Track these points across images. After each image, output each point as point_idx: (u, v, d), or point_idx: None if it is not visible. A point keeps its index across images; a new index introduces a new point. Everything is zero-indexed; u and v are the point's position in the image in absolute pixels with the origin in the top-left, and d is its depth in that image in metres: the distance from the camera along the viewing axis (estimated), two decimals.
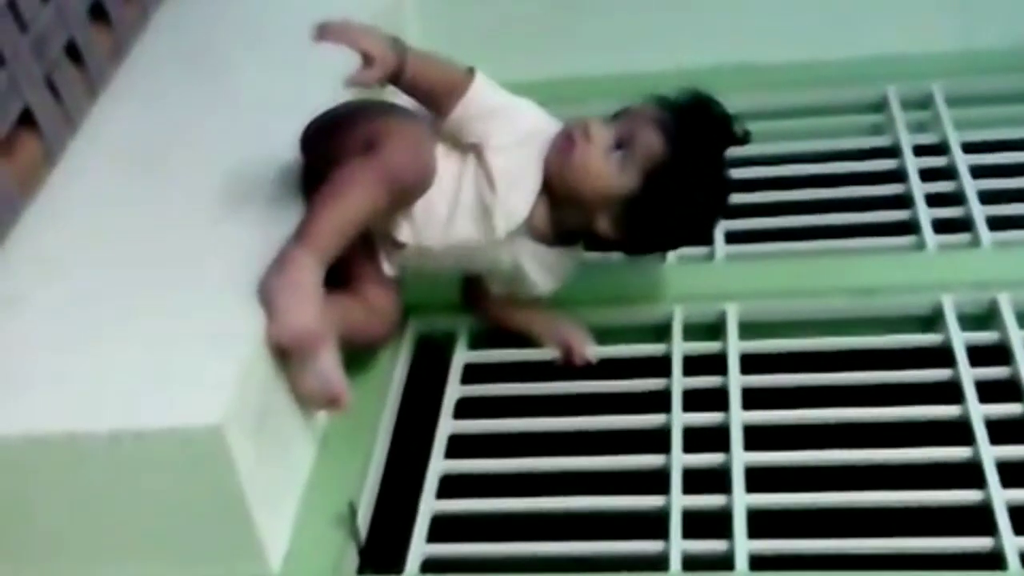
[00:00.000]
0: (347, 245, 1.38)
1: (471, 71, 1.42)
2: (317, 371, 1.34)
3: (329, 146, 1.42)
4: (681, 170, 1.40)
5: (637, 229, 1.44)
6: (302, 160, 1.50)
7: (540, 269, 1.49)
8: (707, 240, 1.66)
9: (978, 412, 1.42)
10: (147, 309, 1.37)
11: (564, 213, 1.45)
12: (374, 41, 1.35)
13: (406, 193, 1.39)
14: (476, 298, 1.60)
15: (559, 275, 1.52)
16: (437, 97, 1.41)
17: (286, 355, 1.35)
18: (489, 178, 1.41)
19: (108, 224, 1.50)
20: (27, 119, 1.49)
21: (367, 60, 1.34)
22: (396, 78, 1.37)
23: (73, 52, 1.60)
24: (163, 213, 1.51)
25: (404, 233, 1.44)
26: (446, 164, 1.43)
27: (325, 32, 1.33)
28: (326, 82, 1.59)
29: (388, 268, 1.49)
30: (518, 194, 1.42)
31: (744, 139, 1.44)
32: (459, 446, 1.50)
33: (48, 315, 1.37)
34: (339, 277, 1.48)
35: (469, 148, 1.43)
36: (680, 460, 1.42)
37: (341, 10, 1.84)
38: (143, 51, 1.81)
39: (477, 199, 1.42)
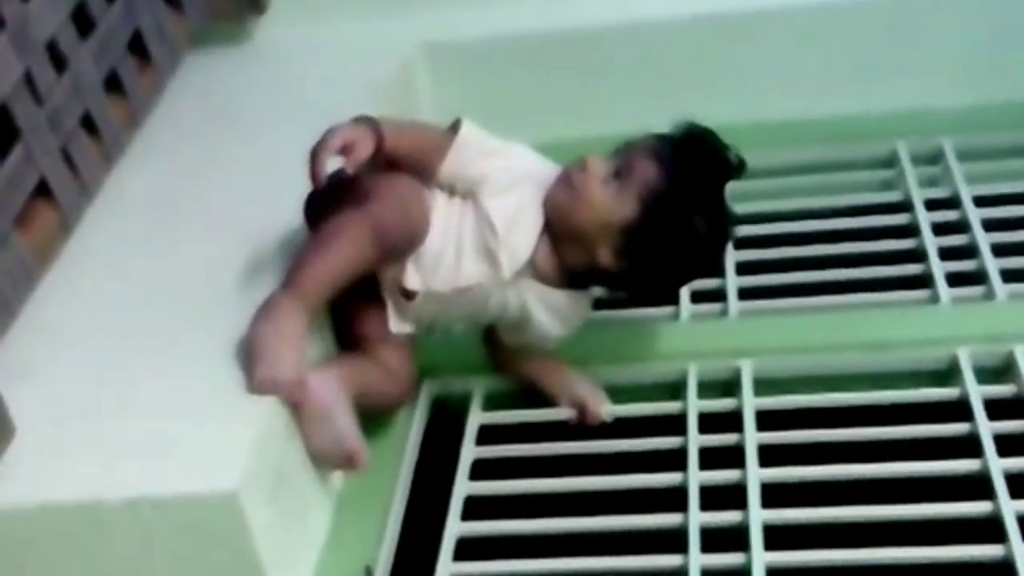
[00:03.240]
0: (334, 296, 1.40)
1: (456, 125, 1.45)
2: (333, 431, 1.35)
3: (326, 213, 1.43)
4: (677, 197, 1.42)
5: (638, 260, 1.44)
6: (308, 229, 1.51)
7: (548, 313, 1.49)
8: (713, 273, 1.67)
9: (997, 466, 1.41)
10: (162, 377, 1.38)
11: (567, 251, 1.46)
12: (346, 132, 1.38)
13: (394, 247, 1.41)
14: (494, 345, 1.60)
15: (568, 320, 1.52)
16: (420, 159, 1.44)
17: (300, 416, 1.35)
18: (489, 221, 1.42)
19: (123, 293, 1.52)
20: (43, 190, 1.50)
21: (346, 149, 1.37)
22: (378, 151, 1.39)
23: (88, 123, 1.61)
24: (178, 281, 1.52)
25: (413, 280, 1.45)
26: (448, 210, 1.45)
27: (314, 166, 1.37)
28: None
29: (396, 324, 1.49)
30: (520, 235, 1.44)
31: (741, 168, 1.45)
32: (475, 508, 1.49)
33: (64, 384, 1.38)
34: (353, 340, 1.49)
35: (467, 195, 1.45)
36: (698, 519, 1.41)
37: (352, 79, 1.89)
38: (158, 120, 1.83)
39: (480, 243, 1.43)
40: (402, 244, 1.42)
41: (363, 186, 1.41)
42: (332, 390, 1.37)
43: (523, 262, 1.45)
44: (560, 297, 1.49)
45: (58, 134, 1.53)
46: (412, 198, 1.42)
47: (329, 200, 1.45)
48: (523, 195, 1.46)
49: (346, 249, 1.39)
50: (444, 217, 1.45)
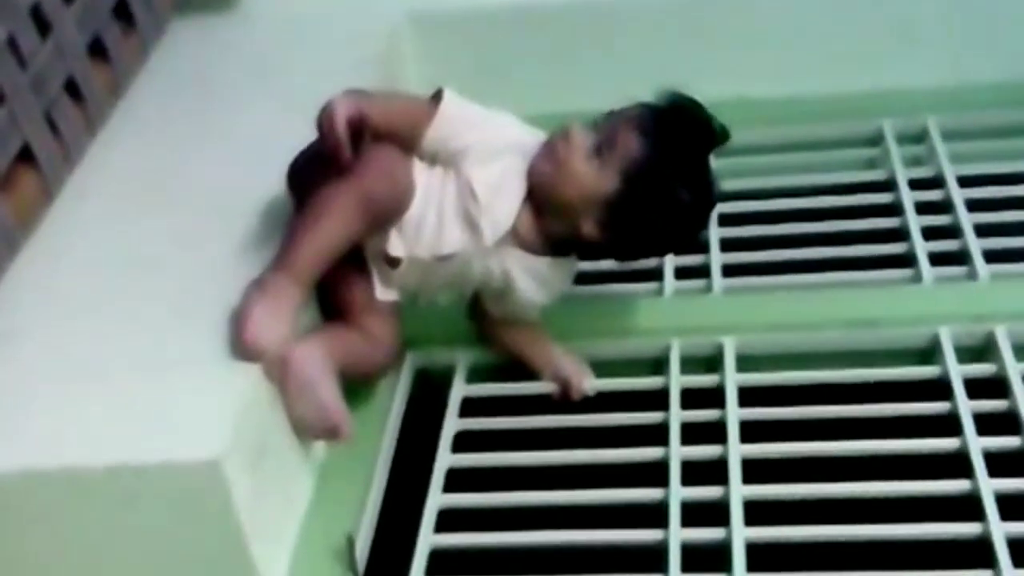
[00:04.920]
0: (326, 269, 1.40)
1: (438, 95, 1.45)
2: (316, 402, 1.35)
3: (310, 180, 1.43)
4: (660, 168, 1.42)
5: (622, 230, 1.45)
6: (291, 198, 1.51)
7: (530, 280, 1.50)
8: (697, 244, 1.67)
9: (976, 445, 1.42)
10: (144, 344, 1.37)
11: (550, 220, 1.47)
12: (348, 103, 1.36)
13: (382, 214, 1.41)
14: (480, 317, 1.60)
15: (551, 287, 1.52)
16: (405, 131, 1.43)
17: (284, 387, 1.35)
18: (471, 190, 1.43)
19: (106, 259, 1.51)
20: (26, 155, 1.50)
21: (353, 122, 1.36)
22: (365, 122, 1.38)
23: (72, 88, 1.60)
24: (160, 248, 1.52)
25: (396, 247, 1.45)
26: (430, 178, 1.45)
27: (335, 143, 1.36)
28: None
29: (382, 292, 1.49)
30: (502, 203, 1.44)
31: (724, 136, 1.46)
32: (457, 480, 1.49)
33: (45, 350, 1.38)
34: (337, 307, 1.49)
35: (449, 163, 1.45)
36: (679, 493, 1.42)
37: (338, 49, 1.88)
38: (142, 87, 1.82)
39: (462, 210, 1.44)
40: (390, 212, 1.42)
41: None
42: (316, 361, 1.37)
43: (505, 230, 1.45)
44: (542, 264, 1.49)
45: (41, 98, 1.52)
46: (397, 166, 1.42)
47: (313, 169, 1.44)
48: (506, 164, 1.46)
49: (336, 223, 1.38)
50: (425, 184, 1.44)
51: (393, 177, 1.41)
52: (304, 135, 1.49)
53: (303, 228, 1.40)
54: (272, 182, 1.53)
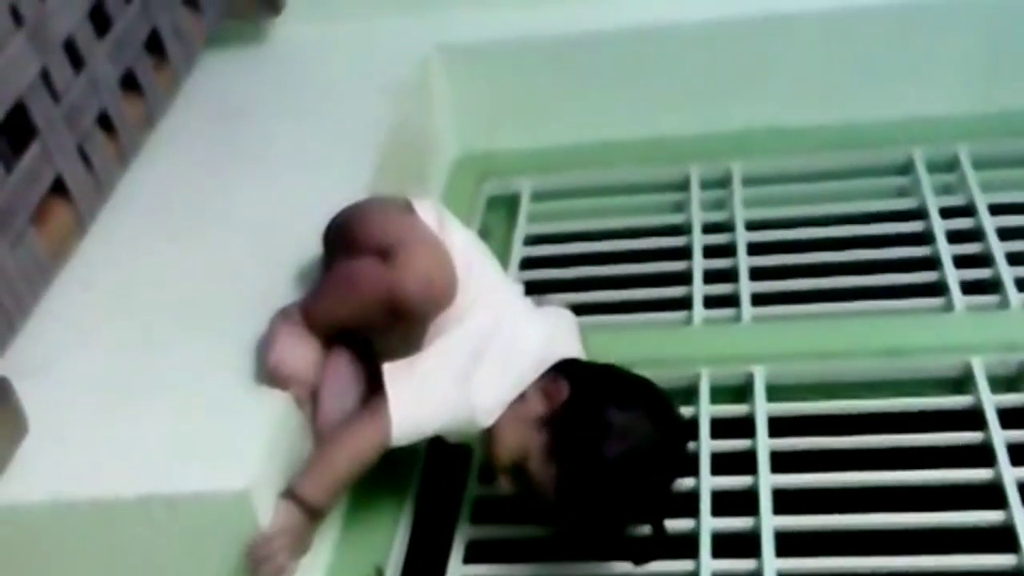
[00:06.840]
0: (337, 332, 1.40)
1: None
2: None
3: (343, 246, 1.41)
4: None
5: None
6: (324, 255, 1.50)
7: None
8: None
9: (1010, 475, 1.41)
10: (175, 375, 1.38)
11: None
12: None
13: (408, 314, 1.33)
14: None
15: None
16: None
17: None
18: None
19: (137, 291, 1.53)
20: (59, 187, 1.51)
21: None
22: None
23: (105, 121, 1.62)
24: (193, 281, 1.53)
25: None
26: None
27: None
28: (357, 150, 1.62)
29: None
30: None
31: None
32: (486, 510, 1.49)
33: (77, 381, 1.39)
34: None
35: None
36: (709, 524, 1.41)
37: (367, 80, 1.89)
38: (174, 119, 1.83)
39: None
40: (419, 315, 1.35)
41: (384, 226, 1.38)
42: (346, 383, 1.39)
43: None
44: None
45: (75, 132, 1.53)
46: (436, 270, 1.35)
47: (344, 231, 1.43)
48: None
49: (357, 308, 1.36)
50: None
51: (429, 282, 1.33)
52: (339, 165, 1.50)
53: (327, 293, 1.39)
54: (304, 212, 1.53)
